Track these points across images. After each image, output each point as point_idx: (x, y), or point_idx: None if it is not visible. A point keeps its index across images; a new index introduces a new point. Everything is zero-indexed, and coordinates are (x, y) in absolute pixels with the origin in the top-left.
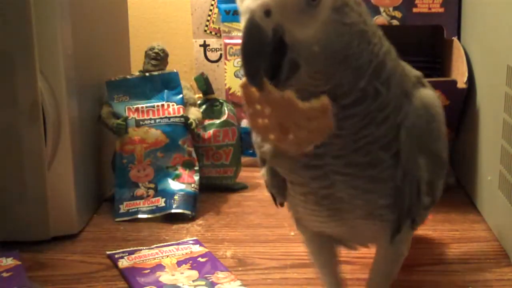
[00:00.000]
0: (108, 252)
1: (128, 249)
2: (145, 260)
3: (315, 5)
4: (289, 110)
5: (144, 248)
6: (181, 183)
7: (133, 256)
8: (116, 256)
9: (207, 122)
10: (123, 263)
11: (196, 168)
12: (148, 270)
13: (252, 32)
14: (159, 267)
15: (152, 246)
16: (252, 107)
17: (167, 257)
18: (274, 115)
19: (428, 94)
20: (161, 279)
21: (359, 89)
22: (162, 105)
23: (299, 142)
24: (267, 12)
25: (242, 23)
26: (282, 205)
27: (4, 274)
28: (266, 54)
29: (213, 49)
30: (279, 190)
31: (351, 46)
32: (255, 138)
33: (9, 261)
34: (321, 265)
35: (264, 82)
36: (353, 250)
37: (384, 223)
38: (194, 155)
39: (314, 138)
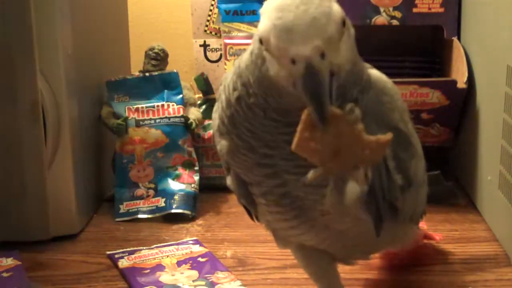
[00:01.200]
0: (108, 252)
1: (128, 249)
2: (145, 260)
3: (345, 29)
4: (351, 139)
5: (144, 248)
6: (181, 183)
7: (133, 256)
8: (116, 256)
9: (207, 122)
10: (123, 263)
11: (196, 168)
12: (148, 270)
13: (316, 79)
14: (159, 267)
15: (152, 246)
16: (310, 133)
17: (167, 257)
18: (333, 143)
19: (374, 72)
20: (161, 279)
21: (352, 99)
22: (162, 105)
23: (344, 166)
24: (323, 55)
25: (294, 70)
26: (258, 218)
27: (4, 274)
28: (331, 93)
29: (213, 49)
30: (247, 201)
31: (356, 55)
32: (217, 142)
33: (9, 261)
34: (313, 276)
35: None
36: (349, 265)
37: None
38: (194, 155)
39: (361, 163)
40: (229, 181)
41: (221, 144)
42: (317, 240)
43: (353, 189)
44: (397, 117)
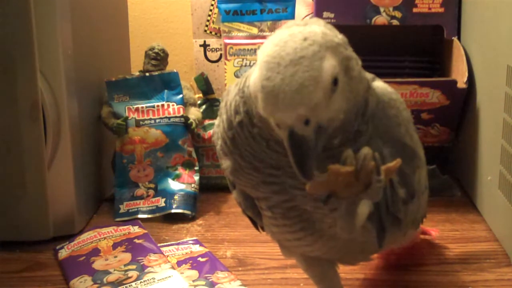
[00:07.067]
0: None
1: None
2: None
3: (337, 87)
4: (362, 174)
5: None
6: (181, 183)
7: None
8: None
9: (207, 122)
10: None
11: (196, 168)
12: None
13: (299, 145)
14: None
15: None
16: (323, 181)
17: (167, 257)
18: (345, 180)
19: (379, 85)
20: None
21: (353, 132)
22: (162, 105)
23: (356, 191)
24: (307, 121)
25: (280, 134)
26: (263, 229)
27: (136, 240)
28: (314, 153)
29: (213, 49)
30: (253, 212)
31: (359, 94)
32: (221, 161)
33: (137, 229)
34: (315, 278)
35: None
36: (350, 265)
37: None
38: (194, 155)
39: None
40: (234, 194)
41: (225, 164)
42: (323, 250)
43: (364, 210)
44: (403, 131)
